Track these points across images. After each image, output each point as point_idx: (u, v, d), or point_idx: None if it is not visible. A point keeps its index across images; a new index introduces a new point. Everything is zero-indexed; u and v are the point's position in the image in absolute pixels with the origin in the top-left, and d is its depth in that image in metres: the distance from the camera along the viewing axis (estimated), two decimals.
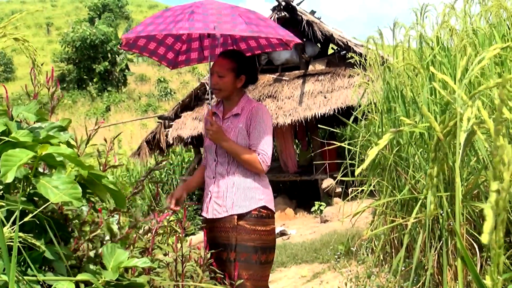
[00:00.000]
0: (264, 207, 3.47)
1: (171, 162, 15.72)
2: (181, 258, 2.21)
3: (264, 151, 3.45)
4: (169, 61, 4.19)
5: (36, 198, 1.56)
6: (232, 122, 3.55)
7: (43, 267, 1.51)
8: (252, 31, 3.32)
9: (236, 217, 3.41)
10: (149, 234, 2.12)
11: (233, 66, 3.54)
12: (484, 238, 0.83)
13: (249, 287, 3.39)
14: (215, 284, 2.86)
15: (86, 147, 1.90)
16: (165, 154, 14.35)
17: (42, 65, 2.05)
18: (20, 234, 1.36)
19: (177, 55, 4.18)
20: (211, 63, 3.67)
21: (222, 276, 2.93)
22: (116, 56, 37.72)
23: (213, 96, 3.67)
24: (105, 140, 2.06)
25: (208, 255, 2.39)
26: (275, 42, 4.04)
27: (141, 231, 2.13)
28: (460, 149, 1.22)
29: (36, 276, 1.35)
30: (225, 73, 3.51)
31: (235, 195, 3.45)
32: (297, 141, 15.66)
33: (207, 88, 13.19)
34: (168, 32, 3.40)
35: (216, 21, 3.25)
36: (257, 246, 3.42)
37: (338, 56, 12.79)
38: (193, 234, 10.84)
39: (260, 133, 3.50)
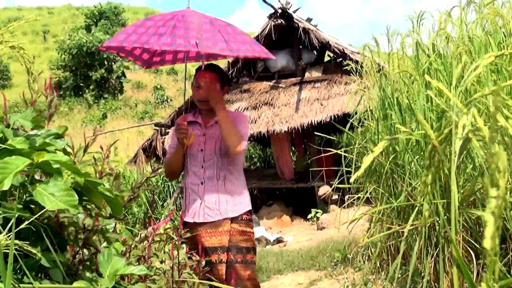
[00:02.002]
0: (250, 211, 3.72)
1: (164, 171, 15.70)
2: (177, 266, 2.21)
3: (244, 137, 3.62)
4: (144, 61, 4.25)
5: (32, 206, 1.56)
6: (216, 129, 3.67)
7: (39, 274, 1.50)
8: (231, 50, 3.41)
9: (229, 220, 3.59)
10: (146, 242, 2.12)
11: (217, 77, 3.69)
12: (487, 244, 0.83)
13: (249, 287, 3.58)
14: None
15: (83, 155, 1.90)
16: (161, 162, 14.34)
17: (40, 74, 2.05)
18: (16, 241, 1.36)
19: (152, 56, 4.25)
20: (200, 66, 3.72)
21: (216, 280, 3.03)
22: (113, 63, 37.74)
23: (198, 105, 3.75)
24: (101, 147, 2.06)
25: (203, 262, 2.39)
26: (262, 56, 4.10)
27: (137, 239, 2.13)
28: (455, 156, 1.22)
29: (32, 283, 1.35)
30: (213, 86, 3.64)
31: (227, 199, 3.62)
32: (293, 148, 15.66)
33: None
34: (150, 46, 3.44)
35: (196, 36, 3.30)
36: (249, 247, 3.63)
37: (334, 63, 12.80)
38: None
39: (242, 127, 3.66)
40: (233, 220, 3.60)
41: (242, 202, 3.68)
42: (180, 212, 3.79)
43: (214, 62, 3.97)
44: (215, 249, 3.54)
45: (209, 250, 3.53)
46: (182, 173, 3.90)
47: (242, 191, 3.72)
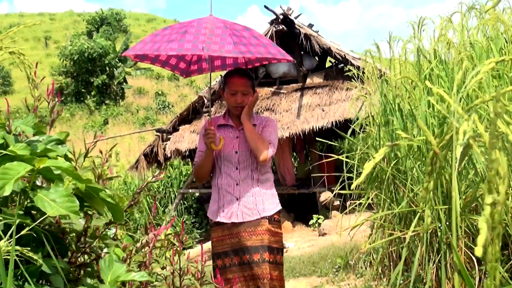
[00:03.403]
0: (280, 211, 3.89)
1: (169, 175, 15.70)
2: (178, 272, 2.21)
3: (272, 142, 3.78)
4: (182, 70, 4.37)
5: (33, 212, 1.56)
6: None
7: (41, 281, 1.50)
8: (238, 52, 3.46)
9: (267, 220, 3.72)
10: (147, 248, 2.12)
11: (251, 83, 3.85)
12: (478, 251, 0.83)
13: (277, 287, 3.68)
14: None
15: (84, 160, 1.90)
16: (163, 167, 14.34)
17: (42, 79, 2.05)
18: (17, 247, 1.36)
19: (188, 65, 4.35)
20: (227, 76, 3.87)
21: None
22: (114, 69, 37.75)
23: (210, 109, 3.76)
24: (101, 152, 2.06)
25: (205, 268, 2.39)
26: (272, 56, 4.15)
27: (138, 244, 2.13)
28: (456, 162, 1.22)
29: None
30: (249, 91, 3.80)
31: (263, 199, 3.76)
32: (295, 154, 15.66)
33: (205, 101, 13.20)
34: (159, 52, 3.56)
35: (206, 41, 3.38)
36: (279, 247, 3.77)
37: (336, 69, 12.83)
38: (190, 247, 10.82)
39: (270, 132, 3.82)
40: (269, 220, 3.73)
41: (274, 202, 3.84)
42: (208, 213, 3.85)
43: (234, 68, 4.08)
44: (257, 249, 3.63)
45: (251, 249, 3.63)
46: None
47: (273, 192, 3.88)
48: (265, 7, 12.42)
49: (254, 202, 3.71)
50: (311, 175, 12.24)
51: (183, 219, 13.30)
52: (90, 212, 1.79)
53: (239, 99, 3.76)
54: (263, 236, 3.66)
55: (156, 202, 14.79)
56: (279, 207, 3.87)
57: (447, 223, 3.19)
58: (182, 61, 4.28)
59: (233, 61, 4.30)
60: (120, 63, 37.97)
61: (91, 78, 37.02)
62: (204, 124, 3.95)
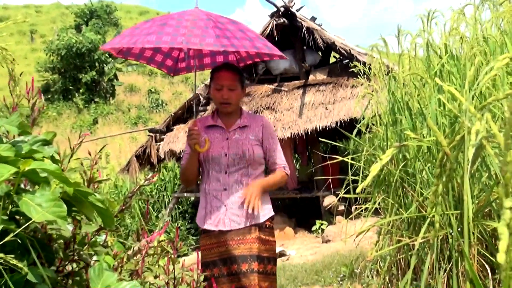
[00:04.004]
0: (272, 217, 3.83)
1: (163, 178, 15.70)
2: (173, 281, 2.21)
3: (285, 163, 3.89)
4: (169, 68, 4.36)
5: (18, 217, 1.56)
6: (241, 134, 3.80)
7: None
8: (220, 45, 3.44)
9: (257, 227, 3.67)
10: (139, 255, 2.12)
11: (239, 78, 3.80)
12: (500, 258, 0.83)
13: None
14: None
15: (69, 162, 1.90)
16: (156, 170, 14.33)
17: (21, 74, 2.05)
18: (1, 255, 1.36)
19: (176, 62, 4.35)
20: (217, 73, 3.83)
21: None
22: (104, 65, 37.74)
23: (207, 108, 3.78)
24: (90, 153, 2.05)
25: (202, 277, 2.39)
26: (261, 52, 4.15)
27: (130, 252, 2.13)
28: (468, 164, 1.22)
29: None
30: (236, 86, 3.77)
31: (253, 205, 3.66)
32: (296, 156, 15.66)
33: (201, 99, 13.20)
34: (136, 45, 3.56)
35: (186, 33, 3.38)
36: (270, 256, 3.72)
37: (340, 65, 12.81)
38: (185, 255, 10.81)
39: (278, 149, 3.89)
40: (259, 228, 3.68)
41: (266, 209, 3.77)
42: (197, 220, 3.84)
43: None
44: (245, 258, 3.59)
45: (239, 259, 3.59)
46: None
47: (265, 197, 3.81)
48: None
49: (242, 209, 3.66)
50: (314, 178, 12.24)
51: (177, 224, 13.30)
52: (78, 218, 1.79)
53: (225, 94, 3.73)
54: (251, 245, 3.62)
55: (149, 207, 14.79)
56: (271, 213, 3.82)
57: (459, 229, 3.18)
58: (168, 58, 4.28)
59: (224, 58, 4.31)
60: (111, 59, 37.96)
61: (79, 74, 36.99)
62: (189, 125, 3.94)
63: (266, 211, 3.76)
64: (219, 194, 3.71)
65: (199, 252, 3.72)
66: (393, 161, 4.14)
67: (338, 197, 4.88)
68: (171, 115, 13.89)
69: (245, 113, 3.92)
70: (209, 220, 3.70)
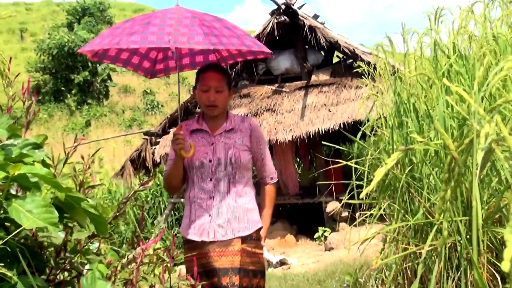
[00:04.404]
0: (259, 229, 3.76)
1: (158, 183, 15.70)
2: None
3: (272, 171, 3.95)
4: (146, 70, 4.30)
5: (7, 224, 1.56)
6: (227, 138, 3.74)
7: None
8: (209, 43, 3.41)
9: (240, 240, 3.60)
10: (134, 264, 2.12)
11: (227, 80, 3.75)
12: (505, 266, 0.83)
13: None
14: None
15: (63, 167, 1.90)
16: (151, 174, 14.33)
17: (17, 76, 2.05)
18: None
19: (153, 64, 4.29)
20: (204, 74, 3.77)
21: None
22: (97, 65, 37.72)
23: (197, 111, 3.77)
24: (82, 157, 2.05)
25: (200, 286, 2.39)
26: (245, 51, 4.16)
27: (124, 260, 2.13)
28: (477, 169, 1.22)
29: None
30: (223, 88, 3.71)
31: (239, 216, 3.66)
32: (298, 160, 15.66)
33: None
34: (119, 46, 3.50)
35: (172, 32, 3.35)
36: (256, 270, 3.65)
37: (344, 65, 12.81)
38: (182, 263, 10.81)
39: (266, 155, 3.90)
40: (243, 240, 3.61)
41: (253, 220, 3.73)
42: (180, 229, 3.80)
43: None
44: (226, 271, 3.54)
45: (220, 271, 3.53)
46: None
47: (253, 207, 3.78)
48: None
49: (229, 220, 3.62)
50: (316, 183, 12.25)
51: (174, 232, 13.30)
52: (70, 224, 1.79)
53: (211, 96, 3.67)
54: (234, 257, 3.56)
55: (144, 213, 14.78)
56: (259, 225, 3.76)
57: (468, 236, 3.18)
58: (146, 59, 4.23)
59: (203, 58, 4.28)
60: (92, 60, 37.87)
61: (71, 75, 36.98)
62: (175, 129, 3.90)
63: (252, 223, 3.70)
64: (203, 202, 3.66)
65: (184, 265, 3.70)
66: (399, 165, 4.14)
67: (342, 203, 4.88)
68: (167, 117, 13.89)
69: (231, 116, 3.87)
70: (192, 230, 3.65)
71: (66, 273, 1.82)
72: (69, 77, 37.10)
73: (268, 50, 3.86)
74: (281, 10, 12.60)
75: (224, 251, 3.57)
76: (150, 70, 4.30)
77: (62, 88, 37.87)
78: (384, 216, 4.68)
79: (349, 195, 4.65)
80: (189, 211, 3.73)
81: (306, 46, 13.33)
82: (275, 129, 11.83)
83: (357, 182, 4.58)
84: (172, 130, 13.35)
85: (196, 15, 3.61)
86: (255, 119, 3.55)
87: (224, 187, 3.66)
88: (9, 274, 1.39)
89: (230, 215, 3.62)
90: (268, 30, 12.44)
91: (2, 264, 1.40)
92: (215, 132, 3.75)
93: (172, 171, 3.72)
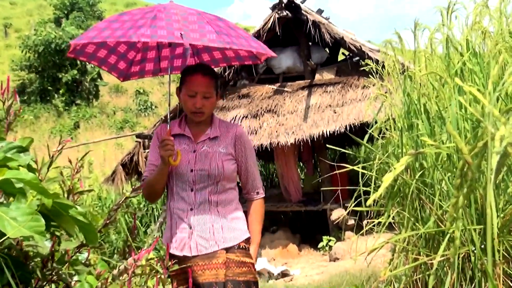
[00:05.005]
0: (248, 239, 3.69)
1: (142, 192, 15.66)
2: None
3: (259, 185, 3.81)
4: (120, 71, 4.25)
5: None
6: (210, 146, 3.67)
7: None
8: (223, 41, 3.39)
9: (224, 251, 3.52)
10: (125, 275, 2.12)
11: (215, 84, 3.67)
12: None
13: None
14: None
15: (48, 170, 1.90)
16: (143, 179, 14.31)
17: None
18: None
19: (130, 65, 4.25)
20: (192, 78, 3.69)
21: None
22: (87, 63, 37.70)
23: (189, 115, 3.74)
24: (70, 162, 2.05)
25: None
26: (243, 54, 4.15)
27: (115, 271, 2.13)
28: (492, 174, 1.22)
29: None
30: (211, 94, 3.64)
31: (223, 225, 3.58)
32: (301, 164, 15.66)
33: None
34: (127, 39, 3.46)
35: (182, 28, 3.30)
36: (249, 281, 3.58)
37: (350, 63, 12.82)
38: None
39: (252, 166, 3.78)
40: (228, 250, 3.54)
41: (239, 229, 3.65)
42: (163, 240, 3.76)
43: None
44: (210, 285, 3.45)
45: (203, 286, 3.45)
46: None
47: (238, 215, 3.72)
48: None
49: (211, 231, 3.54)
50: (320, 189, 12.24)
51: (164, 242, 13.26)
52: (58, 233, 1.79)
53: (198, 103, 3.59)
54: (218, 271, 3.47)
55: (136, 221, 14.77)
56: (246, 234, 3.68)
57: (482, 246, 3.18)
58: (123, 60, 4.17)
59: (195, 61, 4.24)
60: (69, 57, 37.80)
61: (59, 73, 36.96)
62: (157, 129, 3.85)
63: (237, 233, 3.62)
64: (184, 214, 3.58)
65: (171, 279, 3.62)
66: (408, 170, 4.14)
67: (348, 210, 4.88)
68: (162, 118, 13.91)
69: (217, 121, 3.79)
70: (174, 244, 3.58)
71: (53, 285, 1.82)
72: (57, 76, 37.06)
73: (273, 54, 3.85)
74: (283, 5, 12.59)
75: (208, 264, 3.49)
76: (124, 72, 4.25)
77: (49, 87, 37.82)
78: (393, 225, 4.68)
79: (355, 202, 4.65)
80: (170, 222, 3.67)
81: (310, 43, 13.34)
82: (277, 131, 11.82)
83: (364, 188, 4.58)
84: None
85: (200, 13, 3.59)
86: (242, 126, 3.45)
87: (206, 198, 3.58)
88: None
89: (213, 226, 3.55)
90: (269, 26, 12.43)
91: None
92: (198, 139, 3.68)
93: (156, 179, 3.63)
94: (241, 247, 3.60)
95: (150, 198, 3.83)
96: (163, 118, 13.75)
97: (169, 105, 4.04)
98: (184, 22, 3.37)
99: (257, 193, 3.81)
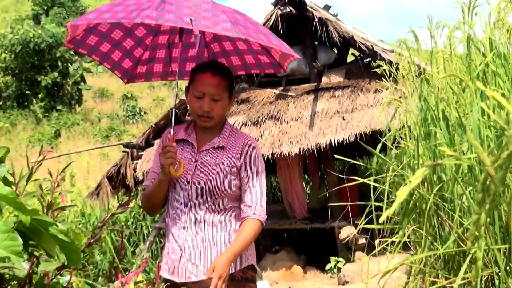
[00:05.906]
0: (251, 267, 3.51)
1: (140, 204, 15.67)
2: None
3: (262, 206, 3.50)
4: (124, 71, 4.17)
5: None
6: (214, 156, 3.52)
7: None
8: (238, 32, 3.30)
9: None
10: None
11: (227, 85, 3.53)
12: None
13: None
14: None
15: (26, 184, 1.91)
16: (132, 194, 14.31)
17: None
18: None
19: (136, 64, 4.16)
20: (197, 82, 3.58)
21: None
22: (69, 64, 37.75)
23: (191, 120, 3.69)
24: (50, 174, 2.06)
25: None
26: (264, 60, 4.06)
27: None
28: None
29: None
30: (222, 96, 3.50)
31: (216, 251, 3.40)
32: (306, 177, 15.66)
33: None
34: (130, 20, 3.41)
35: (193, 14, 3.21)
36: None
37: (360, 65, 12.82)
38: None
39: (258, 183, 3.54)
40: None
41: (240, 255, 3.42)
42: (157, 262, 3.72)
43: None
44: None
45: None
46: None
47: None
48: None
49: (203, 256, 3.38)
50: (327, 204, 12.23)
51: (159, 262, 13.26)
52: (36, 253, 1.79)
53: (206, 105, 3.45)
54: None
55: (124, 240, 14.75)
56: (248, 261, 3.51)
57: (507, 267, 3.19)
58: (128, 57, 4.09)
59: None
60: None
61: (38, 76, 37.00)
62: (164, 133, 3.71)
63: (238, 260, 3.42)
64: (176, 233, 3.46)
65: None
66: (425, 183, 4.14)
67: (358, 228, 4.88)
68: (151, 126, 13.87)
69: (227, 129, 3.64)
70: (165, 265, 3.47)
71: None
72: (35, 79, 37.07)
73: (296, 55, 3.79)
74: (287, 0, 12.58)
75: None
76: (129, 72, 4.17)
77: (27, 91, 37.85)
78: (409, 244, 4.68)
79: (366, 219, 4.65)
80: (165, 240, 3.60)
81: (316, 43, 13.36)
82: (279, 140, 11.80)
83: (376, 204, 4.58)
84: (158, 142, 13.33)
85: (216, 3, 3.50)
86: (253, 137, 3.32)
87: (201, 217, 3.43)
88: None
89: (205, 250, 3.40)
90: (271, 23, 12.40)
91: None
92: (201, 147, 3.56)
93: (156, 189, 3.51)
94: (236, 278, 3.41)
95: (149, 211, 3.76)
96: (153, 125, 13.70)
97: (174, 106, 3.91)
98: (197, 9, 3.29)
99: (254, 213, 3.49)
